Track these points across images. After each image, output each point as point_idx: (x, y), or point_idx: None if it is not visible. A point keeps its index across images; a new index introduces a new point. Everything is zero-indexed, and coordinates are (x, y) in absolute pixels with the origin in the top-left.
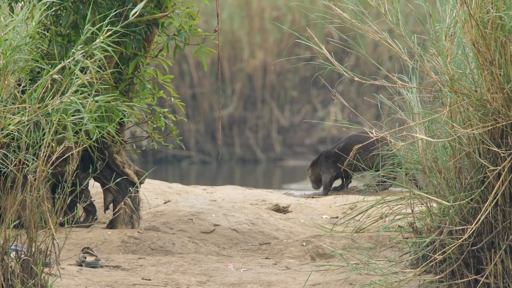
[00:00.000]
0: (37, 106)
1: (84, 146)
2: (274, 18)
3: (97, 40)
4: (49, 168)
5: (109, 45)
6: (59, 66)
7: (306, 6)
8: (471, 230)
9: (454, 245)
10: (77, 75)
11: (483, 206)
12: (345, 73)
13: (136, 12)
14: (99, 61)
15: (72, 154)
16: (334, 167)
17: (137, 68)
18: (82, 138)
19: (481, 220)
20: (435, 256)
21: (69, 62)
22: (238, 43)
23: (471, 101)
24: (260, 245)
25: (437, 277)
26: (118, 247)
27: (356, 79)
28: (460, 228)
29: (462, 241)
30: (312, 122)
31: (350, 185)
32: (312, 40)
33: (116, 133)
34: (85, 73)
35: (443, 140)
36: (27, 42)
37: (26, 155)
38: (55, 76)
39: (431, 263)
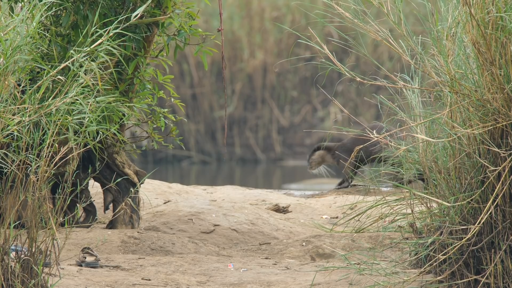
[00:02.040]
0: (38, 106)
1: (88, 147)
2: (274, 18)
3: (100, 40)
4: (51, 169)
5: (114, 47)
6: (61, 66)
7: (306, 5)
8: (474, 230)
9: (457, 245)
10: (79, 76)
11: (483, 206)
12: (347, 73)
13: (138, 14)
14: (104, 63)
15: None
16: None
17: (137, 68)
18: (84, 139)
19: (483, 220)
20: (439, 256)
21: (72, 64)
22: (238, 43)
23: (472, 101)
24: (260, 245)
25: (438, 278)
26: (118, 247)
27: (358, 79)
28: (461, 228)
29: (465, 241)
30: (312, 122)
31: (350, 185)
32: (314, 40)
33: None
34: (87, 74)
35: (443, 140)
36: (27, 42)
37: (27, 155)
38: (59, 77)
39: (434, 264)
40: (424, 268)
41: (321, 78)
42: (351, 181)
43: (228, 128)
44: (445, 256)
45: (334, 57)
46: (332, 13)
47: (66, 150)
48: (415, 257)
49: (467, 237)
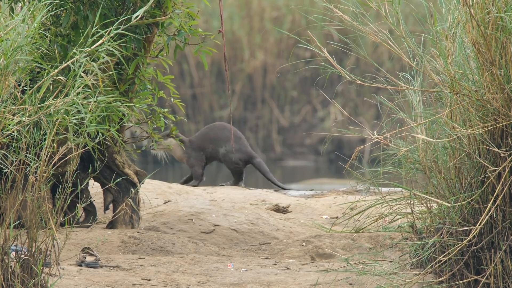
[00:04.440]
0: (38, 106)
1: (87, 148)
2: (274, 18)
3: (101, 41)
4: (50, 169)
5: (115, 48)
6: (61, 67)
7: (306, 6)
8: (475, 231)
9: (458, 247)
10: (80, 76)
11: (484, 207)
12: (347, 76)
13: (138, 15)
14: (104, 63)
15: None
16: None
17: (137, 68)
18: (84, 139)
19: (484, 220)
20: (440, 257)
21: (73, 64)
22: (238, 43)
23: (472, 101)
24: (260, 245)
25: (440, 278)
26: (118, 247)
27: (358, 82)
28: (461, 229)
29: (467, 242)
30: (312, 122)
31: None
32: (314, 44)
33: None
34: (87, 74)
35: (443, 140)
36: (28, 42)
37: (26, 155)
38: (59, 78)
39: (437, 265)
40: (426, 270)
41: (321, 79)
42: (202, 180)
43: None
44: (446, 258)
45: (334, 60)
46: (331, 14)
47: (66, 151)
48: (418, 258)
49: (468, 239)
